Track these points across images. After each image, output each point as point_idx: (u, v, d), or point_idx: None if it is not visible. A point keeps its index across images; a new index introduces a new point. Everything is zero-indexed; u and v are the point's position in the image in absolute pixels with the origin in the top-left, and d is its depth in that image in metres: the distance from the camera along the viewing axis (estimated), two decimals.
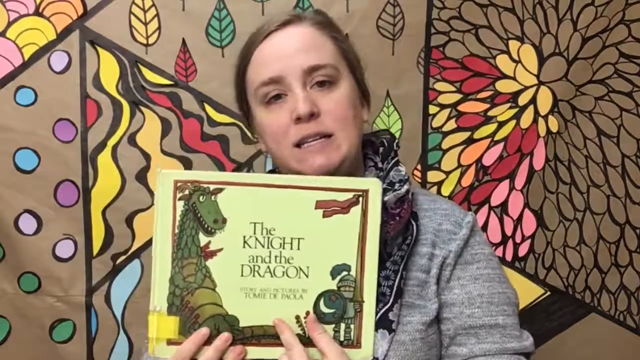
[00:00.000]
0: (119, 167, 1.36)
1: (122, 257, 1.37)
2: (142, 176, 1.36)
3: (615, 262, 1.48)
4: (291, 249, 0.73)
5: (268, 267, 0.73)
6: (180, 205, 0.73)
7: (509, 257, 1.45)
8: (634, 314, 1.49)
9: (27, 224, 1.35)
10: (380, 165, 0.89)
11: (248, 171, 1.37)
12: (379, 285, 0.75)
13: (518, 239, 1.45)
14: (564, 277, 1.47)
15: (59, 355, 1.37)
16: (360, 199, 0.73)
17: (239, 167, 1.38)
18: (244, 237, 0.73)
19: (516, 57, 1.42)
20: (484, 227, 1.43)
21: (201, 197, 0.73)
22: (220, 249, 0.73)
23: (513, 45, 1.41)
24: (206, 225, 0.73)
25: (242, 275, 0.73)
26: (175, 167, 1.37)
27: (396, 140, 0.92)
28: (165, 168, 0.74)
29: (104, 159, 1.35)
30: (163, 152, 1.36)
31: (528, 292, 1.46)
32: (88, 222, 1.36)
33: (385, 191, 0.82)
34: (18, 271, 1.35)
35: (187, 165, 1.37)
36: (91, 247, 1.36)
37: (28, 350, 1.37)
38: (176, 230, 0.73)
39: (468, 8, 1.39)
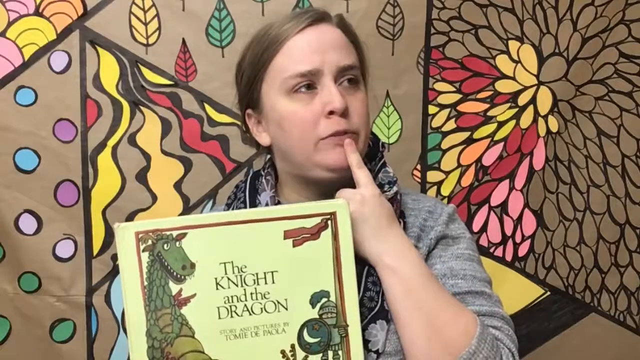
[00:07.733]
0: (119, 167, 1.36)
1: None
2: (142, 176, 1.36)
3: (615, 262, 1.48)
4: (266, 283, 0.72)
5: (245, 305, 0.72)
6: (145, 256, 0.71)
7: (509, 257, 1.45)
8: (634, 314, 1.49)
9: (28, 224, 1.35)
10: (368, 165, 0.90)
11: (248, 171, 1.37)
12: (359, 283, 0.75)
13: (518, 239, 1.45)
14: (564, 277, 1.47)
15: (59, 355, 1.37)
16: (329, 222, 0.72)
17: (239, 167, 1.38)
18: (216, 279, 0.71)
19: (516, 57, 1.42)
20: (484, 227, 1.43)
21: (165, 245, 0.71)
22: (193, 295, 0.71)
23: (513, 45, 1.41)
24: (175, 273, 0.71)
25: (219, 318, 0.71)
26: (176, 167, 1.37)
27: (381, 141, 0.93)
28: (124, 223, 0.71)
29: (104, 159, 1.36)
30: (163, 152, 1.37)
31: (528, 292, 1.46)
32: (88, 222, 1.36)
33: None
34: (18, 271, 1.35)
35: (187, 165, 1.37)
36: (91, 247, 1.37)
37: (28, 350, 1.37)
38: (145, 283, 0.71)
39: (468, 8, 1.39)
